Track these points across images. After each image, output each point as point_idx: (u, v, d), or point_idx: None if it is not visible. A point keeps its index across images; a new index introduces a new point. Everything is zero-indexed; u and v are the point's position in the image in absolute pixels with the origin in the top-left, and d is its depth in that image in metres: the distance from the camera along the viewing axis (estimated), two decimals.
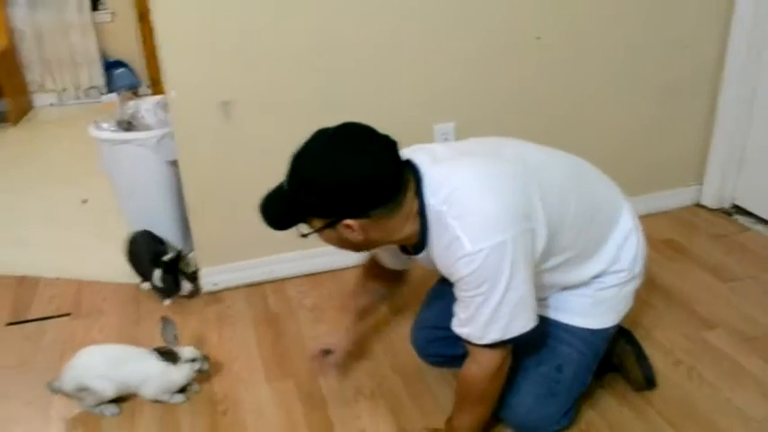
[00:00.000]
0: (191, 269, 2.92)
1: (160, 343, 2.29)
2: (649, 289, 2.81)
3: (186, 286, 2.82)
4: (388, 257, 2.18)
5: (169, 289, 2.82)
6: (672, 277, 2.91)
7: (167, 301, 2.86)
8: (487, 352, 1.83)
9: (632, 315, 2.57)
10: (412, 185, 1.77)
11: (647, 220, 3.34)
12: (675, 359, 2.43)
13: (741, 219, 3.40)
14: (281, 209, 1.82)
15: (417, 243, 1.85)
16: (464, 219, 1.71)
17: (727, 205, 3.50)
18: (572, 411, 2.12)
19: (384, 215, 1.73)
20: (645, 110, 3.29)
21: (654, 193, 3.45)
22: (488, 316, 1.75)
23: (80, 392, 2.19)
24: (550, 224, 1.81)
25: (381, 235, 1.79)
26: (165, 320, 2.33)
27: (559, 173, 1.94)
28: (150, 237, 3.02)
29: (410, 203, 1.76)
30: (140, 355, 2.30)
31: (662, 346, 2.49)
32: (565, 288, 2.07)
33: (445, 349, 2.29)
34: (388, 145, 1.75)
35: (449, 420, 2.05)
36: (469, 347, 1.86)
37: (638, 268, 2.08)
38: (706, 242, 3.21)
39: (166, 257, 2.82)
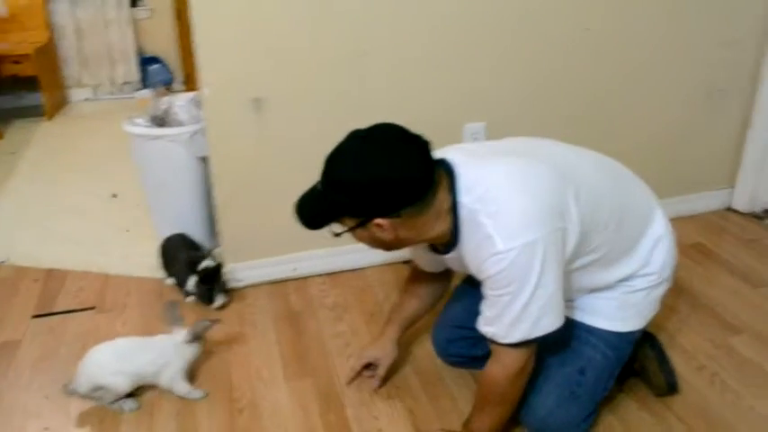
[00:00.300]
0: (227, 283, 2.92)
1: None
2: (675, 293, 2.77)
3: (219, 299, 2.82)
4: (425, 261, 2.19)
5: (202, 298, 2.81)
6: (699, 282, 2.87)
7: (189, 298, 2.87)
8: (511, 352, 1.82)
9: (656, 319, 2.54)
10: (445, 184, 1.79)
11: (677, 223, 3.30)
12: (698, 364, 2.40)
13: None
14: (315, 208, 1.85)
15: (448, 242, 1.86)
16: (497, 217, 1.72)
17: (758, 209, 3.45)
18: (593, 416, 2.09)
19: (415, 214, 1.75)
20: (680, 111, 3.26)
21: (684, 196, 3.42)
22: (515, 315, 1.75)
23: (97, 392, 2.21)
24: (583, 224, 1.81)
25: (412, 233, 1.81)
26: (170, 303, 2.39)
27: (593, 173, 1.94)
28: (186, 240, 3.03)
29: (442, 201, 1.78)
30: (150, 343, 2.32)
31: (685, 351, 2.46)
32: (593, 290, 2.05)
33: (465, 350, 2.30)
34: (420, 145, 1.77)
35: (467, 422, 2.04)
36: (493, 347, 1.86)
37: (668, 273, 2.07)
38: (735, 246, 3.17)
39: (204, 265, 2.81)
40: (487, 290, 1.80)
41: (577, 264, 1.89)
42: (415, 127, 2.67)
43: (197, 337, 2.33)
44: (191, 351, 2.33)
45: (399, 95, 2.80)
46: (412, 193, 1.73)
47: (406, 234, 1.80)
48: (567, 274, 1.88)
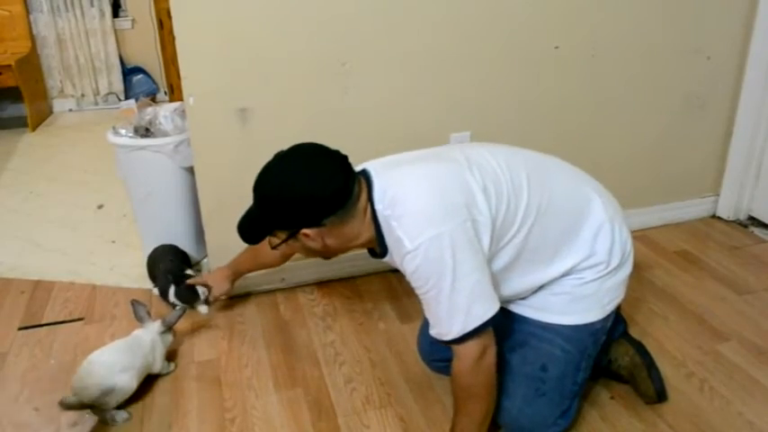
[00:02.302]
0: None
1: (173, 349, 2.30)
2: (662, 300, 2.79)
3: (203, 309, 2.81)
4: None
5: (187, 304, 2.80)
6: (685, 289, 2.89)
7: (178, 308, 2.85)
8: (463, 346, 1.86)
9: (644, 326, 2.59)
10: (364, 194, 1.91)
11: (662, 231, 3.36)
12: (687, 371, 2.41)
13: (757, 231, 3.37)
14: (251, 226, 2.01)
15: (379, 250, 1.98)
16: (401, 220, 1.83)
17: (743, 217, 3.48)
18: (571, 411, 2.10)
19: (338, 223, 1.88)
20: (662, 120, 3.28)
21: (669, 204, 3.44)
22: (446, 309, 1.82)
23: (105, 397, 2.20)
24: (496, 216, 1.87)
25: (340, 241, 1.94)
26: (136, 303, 2.51)
27: (507, 169, 1.97)
28: (172, 251, 3.02)
29: (364, 210, 1.91)
30: (138, 339, 2.41)
31: (674, 358, 2.47)
32: (543, 287, 2.07)
33: (448, 353, 2.29)
34: (339, 158, 1.90)
35: (451, 430, 2.03)
36: (451, 347, 1.89)
37: (616, 260, 2.07)
38: (721, 254, 3.19)
39: (183, 273, 2.83)
40: (417, 291, 1.88)
41: (504, 258, 1.94)
42: (401, 137, 2.68)
43: (170, 327, 2.50)
44: (166, 339, 2.49)
45: (384, 106, 2.81)
46: (332, 204, 1.84)
47: (333, 242, 1.94)
48: (504, 271, 1.96)
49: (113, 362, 2.25)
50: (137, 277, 3.10)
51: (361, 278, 3.04)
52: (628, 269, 2.14)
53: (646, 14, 3.01)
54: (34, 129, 5.55)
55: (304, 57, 2.65)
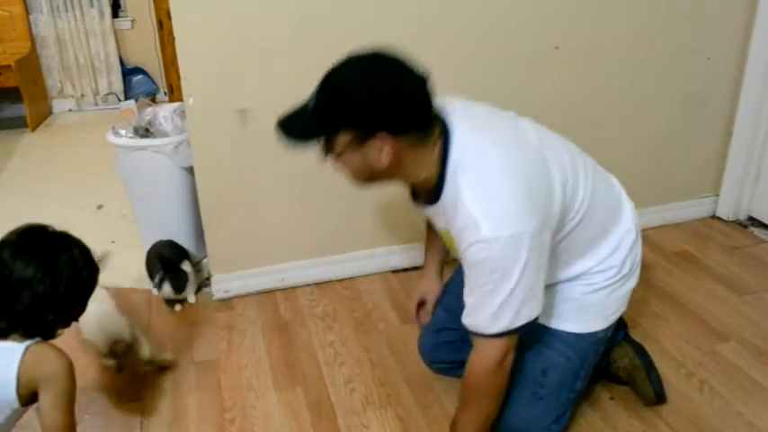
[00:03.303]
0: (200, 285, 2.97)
1: (173, 349, 2.29)
2: (662, 301, 2.79)
3: (190, 295, 2.85)
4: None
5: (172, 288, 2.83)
6: (685, 289, 2.89)
7: (177, 307, 2.88)
8: (492, 342, 1.80)
9: (644, 326, 2.58)
10: (438, 130, 1.75)
11: (662, 232, 3.35)
12: (687, 372, 2.41)
13: (757, 231, 3.37)
14: (306, 122, 1.77)
15: (431, 194, 1.80)
16: (485, 204, 1.68)
17: (742, 217, 3.48)
18: (564, 418, 2.09)
19: (413, 143, 1.71)
20: (662, 121, 3.28)
21: (669, 204, 3.44)
22: (498, 305, 1.73)
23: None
24: (563, 211, 1.81)
25: (400, 166, 1.73)
26: None
27: (570, 159, 1.90)
28: (170, 245, 3.03)
29: (434, 146, 1.74)
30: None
31: (674, 359, 2.47)
32: (553, 289, 2.04)
33: (450, 354, 2.31)
34: (424, 76, 1.72)
35: (452, 424, 2.02)
36: (474, 339, 1.84)
37: (627, 268, 2.05)
38: (721, 254, 3.19)
39: (175, 261, 2.86)
40: (470, 274, 1.76)
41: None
42: None
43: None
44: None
45: None
46: (417, 115, 1.69)
47: (398, 164, 1.72)
48: None
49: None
50: (137, 277, 3.10)
51: (361, 278, 3.04)
52: (634, 281, 2.12)
53: (646, 15, 3.01)
54: (34, 129, 5.55)
55: (304, 57, 2.64)
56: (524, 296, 1.73)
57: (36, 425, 1.75)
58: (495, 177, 1.71)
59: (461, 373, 2.30)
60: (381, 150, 1.67)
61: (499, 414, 2.00)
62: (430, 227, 2.29)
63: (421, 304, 2.41)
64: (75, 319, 1.94)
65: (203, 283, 3.04)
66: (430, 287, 2.39)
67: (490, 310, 1.74)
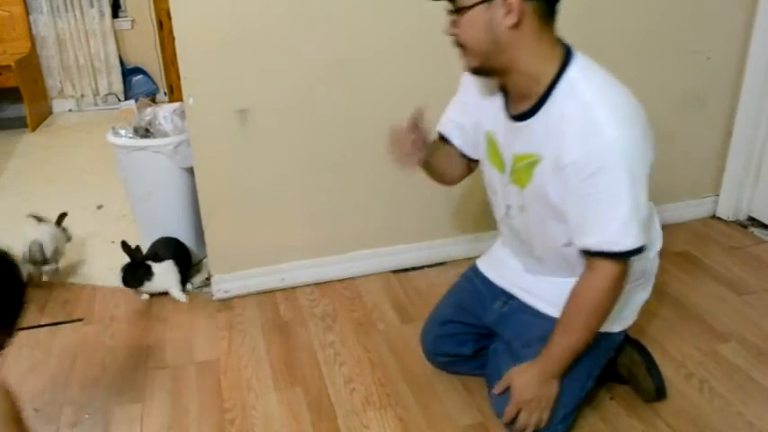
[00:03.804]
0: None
1: (173, 349, 2.29)
2: (662, 301, 2.79)
3: (179, 296, 2.94)
4: (457, 128, 2.19)
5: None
6: (685, 289, 2.89)
7: (143, 296, 2.96)
8: (614, 264, 1.80)
9: (644, 327, 2.58)
10: (560, 46, 1.84)
11: (662, 231, 3.35)
12: (687, 372, 2.41)
13: (757, 231, 3.37)
14: None
15: (534, 102, 1.82)
16: (607, 109, 1.75)
17: (743, 217, 3.48)
18: (570, 418, 2.09)
19: (538, 19, 1.75)
20: (662, 121, 3.25)
21: (670, 204, 3.43)
22: (625, 215, 1.74)
23: None
24: None
25: (522, 44, 1.76)
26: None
27: None
28: (165, 243, 3.07)
29: (555, 48, 1.82)
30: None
31: (674, 359, 2.47)
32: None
33: (453, 347, 2.33)
34: None
35: (547, 349, 1.98)
36: (593, 261, 1.82)
37: (647, 274, 2.10)
38: (721, 254, 3.19)
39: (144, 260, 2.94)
40: (585, 186, 1.74)
41: None
42: None
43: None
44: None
45: (384, 106, 2.81)
46: None
47: (521, 37, 1.75)
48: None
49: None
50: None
51: (361, 278, 3.04)
52: (647, 293, 2.16)
53: (646, 15, 3.01)
54: (34, 129, 5.55)
55: (304, 57, 2.65)
56: (645, 211, 1.77)
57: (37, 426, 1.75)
58: (617, 94, 1.82)
59: (462, 369, 2.32)
60: (509, 9, 1.70)
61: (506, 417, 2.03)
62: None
63: (414, 126, 2.12)
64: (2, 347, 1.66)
65: (203, 283, 3.03)
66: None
67: (618, 219, 1.74)
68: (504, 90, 1.96)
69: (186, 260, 3.09)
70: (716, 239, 3.34)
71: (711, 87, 3.29)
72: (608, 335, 2.08)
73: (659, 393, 2.24)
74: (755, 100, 3.23)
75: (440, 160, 2.22)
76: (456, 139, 2.19)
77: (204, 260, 3.14)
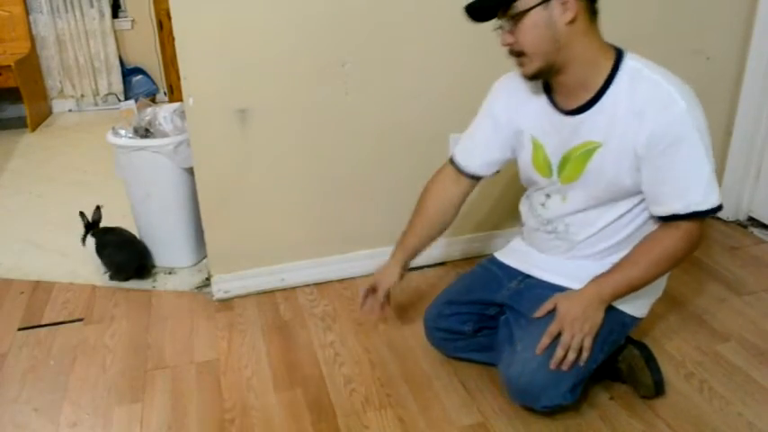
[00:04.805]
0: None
1: (173, 349, 2.28)
2: (662, 301, 2.76)
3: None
4: (485, 148, 2.26)
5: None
6: (685, 289, 2.89)
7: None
8: (694, 224, 1.93)
9: (644, 327, 2.58)
10: (609, 46, 1.96)
11: None
12: (687, 372, 2.41)
13: (756, 231, 3.37)
14: None
15: (594, 93, 1.93)
16: (674, 84, 1.87)
17: (742, 217, 3.48)
18: (578, 389, 2.09)
19: (590, 15, 1.89)
20: None
21: None
22: (707, 175, 1.87)
23: None
24: None
25: (580, 38, 1.88)
26: None
27: None
28: (122, 236, 3.24)
29: (607, 48, 1.95)
30: None
31: (673, 359, 2.47)
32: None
33: (455, 324, 2.36)
34: None
35: (607, 273, 2.03)
36: (676, 224, 1.94)
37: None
38: (720, 254, 3.18)
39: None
40: (665, 157, 1.87)
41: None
42: (400, 137, 2.69)
43: None
44: None
45: (384, 106, 2.81)
46: None
47: (579, 31, 1.86)
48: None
49: None
50: (136, 278, 3.11)
51: (361, 278, 3.04)
52: (660, 291, 2.26)
53: (645, 15, 3.01)
54: (34, 129, 5.56)
55: (304, 57, 2.65)
56: (714, 169, 1.89)
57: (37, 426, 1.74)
58: (674, 76, 1.92)
59: (459, 350, 2.40)
60: (565, 6, 1.81)
61: (524, 365, 2.03)
62: (423, 202, 2.37)
63: (372, 291, 2.39)
64: None
65: (203, 283, 3.03)
66: (387, 276, 2.37)
67: (702, 181, 1.87)
68: (548, 89, 2.05)
69: (130, 257, 3.17)
70: (716, 239, 3.34)
71: (711, 87, 3.29)
72: (621, 313, 2.11)
73: (658, 388, 2.23)
74: (755, 100, 3.23)
75: (431, 232, 2.38)
76: (478, 169, 2.30)
77: (204, 260, 3.14)
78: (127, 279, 3.10)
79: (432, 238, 2.39)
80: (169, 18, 2.64)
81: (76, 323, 2.80)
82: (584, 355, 2.01)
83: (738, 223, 3.47)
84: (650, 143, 1.86)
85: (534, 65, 1.91)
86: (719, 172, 3.45)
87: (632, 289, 2.01)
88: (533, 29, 1.85)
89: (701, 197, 1.87)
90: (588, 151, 1.97)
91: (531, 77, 1.97)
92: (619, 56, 1.93)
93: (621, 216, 2.04)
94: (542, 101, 2.06)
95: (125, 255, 3.13)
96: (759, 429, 2.15)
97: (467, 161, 2.29)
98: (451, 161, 2.34)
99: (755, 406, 2.24)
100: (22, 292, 3.04)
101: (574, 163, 2.02)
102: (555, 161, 2.07)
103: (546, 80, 2.03)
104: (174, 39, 2.54)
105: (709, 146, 1.88)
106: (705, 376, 2.38)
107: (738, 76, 3.28)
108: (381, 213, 2.98)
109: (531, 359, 2.02)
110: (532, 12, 1.82)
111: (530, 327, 2.08)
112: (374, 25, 2.67)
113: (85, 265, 3.25)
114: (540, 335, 2.02)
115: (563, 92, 2.00)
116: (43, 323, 2.81)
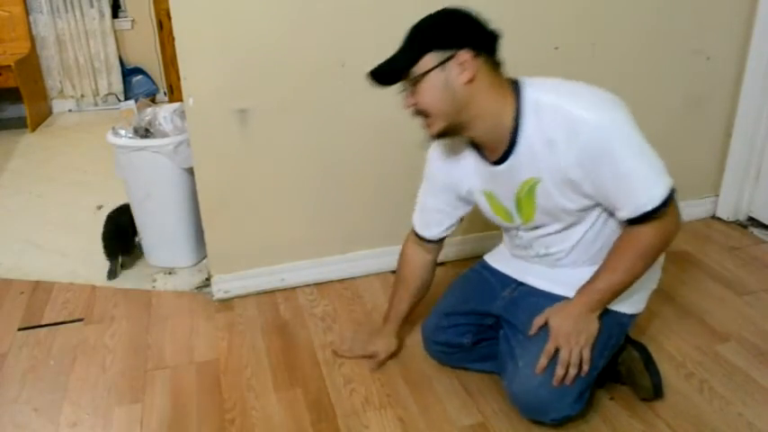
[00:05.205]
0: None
1: (173, 349, 2.28)
2: (662, 301, 2.79)
3: None
4: (436, 209, 2.28)
5: None
6: (685, 289, 2.89)
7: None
8: (657, 220, 1.88)
9: (644, 326, 2.58)
10: (508, 83, 1.93)
11: None
12: (687, 372, 2.41)
13: (756, 231, 3.37)
14: (397, 57, 1.94)
15: (508, 140, 1.93)
16: (575, 102, 1.85)
17: (742, 218, 3.48)
18: (585, 396, 2.09)
19: (489, 68, 1.88)
20: (662, 121, 3.27)
21: None
22: (645, 169, 1.86)
23: None
24: None
25: (480, 94, 1.88)
26: None
27: None
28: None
29: (507, 89, 1.91)
30: None
31: (673, 359, 2.47)
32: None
33: (454, 337, 2.37)
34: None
35: (589, 284, 2.02)
36: (645, 224, 1.90)
37: (662, 257, 2.14)
38: (720, 254, 3.19)
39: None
40: (600, 169, 1.84)
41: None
42: (401, 135, 2.68)
43: None
44: None
45: (384, 106, 2.80)
46: (492, 40, 1.89)
47: (478, 89, 1.87)
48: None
49: None
50: (136, 278, 3.11)
51: (361, 278, 3.04)
52: (655, 282, 2.20)
53: (646, 15, 3.01)
54: (34, 129, 5.55)
55: (304, 58, 2.65)
56: (659, 160, 1.89)
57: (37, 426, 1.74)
58: (573, 86, 1.92)
59: (459, 362, 2.37)
60: (462, 67, 1.83)
61: (526, 382, 2.03)
62: (400, 272, 2.44)
63: (369, 356, 2.50)
64: None
65: (203, 283, 3.03)
66: (386, 346, 2.49)
67: (640, 182, 1.85)
68: (473, 144, 2.06)
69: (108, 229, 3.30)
70: (716, 240, 3.34)
71: (711, 87, 3.29)
72: (618, 314, 2.10)
73: (656, 391, 2.23)
74: (755, 100, 3.23)
75: (414, 298, 2.45)
76: (439, 234, 2.34)
77: (204, 260, 3.14)
78: (111, 255, 3.20)
79: (418, 300, 2.47)
80: (169, 18, 2.63)
81: (76, 323, 2.80)
82: (585, 367, 2.01)
83: (738, 223, 3.47)
84: (578, 166, 1.85)
85: (438, 125, 1.94)
86: (719, 172, 3.46)
87: (618, 293, 2.01)
88: (432, 90, 1.88)
89: (645, 198, 1.85)
90: (531, 188, 1.98)
91: (437, 137, 1.99)
92: (518, 92, 1.91)
93: (593, 224, 2.03)
94: (474, 157, 2.09)
95: (106, 227, 3.27)
96: (759, 429, 2.15)
97: (425, 231, 2.33)
98: (413, 231, 2.38)
99: (755, 406, 2.25)
100: (22, 292, 3.04)
101: (525, 202, 2.03)
102: (511, 206, 2.09)
103: (456, 137, 2.04)
104: (174, 39, 2.53)
105: (637, 139, 1.87)
106: (705, 376, 2.38)
107: (738, 76, 3.28)
108: (381, 213, 2.97)
109: (533, 377, 2.02)
110: (430, 74, 1.86)
111: (528, 344, 2.07)
112: (374, 25, 2.67)
113: (85, 265, 3.25)
114: (539, 351, 2.02)
115: (482, 145, 2.03)
116: (43, 323, 2.81)
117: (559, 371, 1.99)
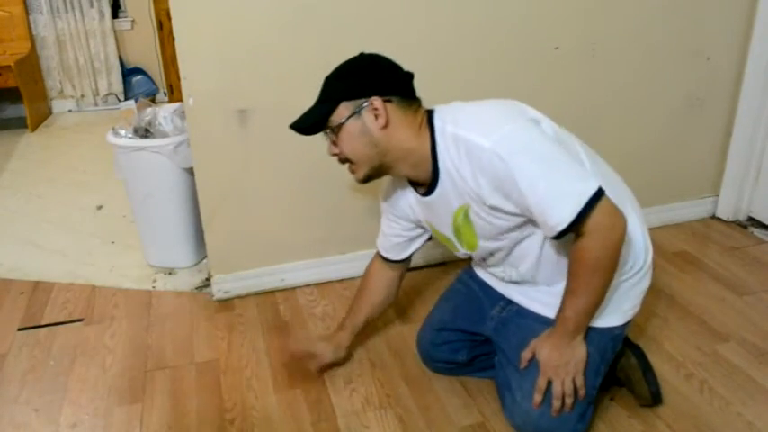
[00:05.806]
0: None
1: (173, 349, 2.28)
2: (662, 301, 2.79)
3: None
4: (393, 235, 2.29)
5: None
6: (685, 290, 2.89)
7: None
8: (590, 222, 1.78)
9: (643, 327, 2.58)
10: (423, 117, 1.96)
11: (661, 232, 3.35)
12: (687, 372, 2.41)
13: (756, 231, 3.37)
14: (313, 110, 2.00)
15: (431, 171, 1.95)
16: (470, 124, 1.86)
17: (742, 218, 3.48)
18: (588, 414, 2.08)
19: (401, 109, 1.93)
20: (662, 121, 3.28)
21: (669, 205, 3.44)
22: (560, 179, 1.79)
23: None
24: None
25: (397, 134, 1.92)
26: None
27: (567, 135, 2.08)
28: None
29: (420, 125, 1.94)
30: None
31: (673, 359, 2.47)
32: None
33: (449, 355, 2.36)
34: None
35: (560, 313, 1.98)
36: (580, 235, 1.83)
37: (640, 264, 2.07)
38: (720, 254, 3.19)
39: None
40: (510, 199, 1.83)
41: None
42: None
43: None
44: None
45: None
46: (400, 79, 1.97)
47: (394, 130, 1.91)
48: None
49: None
50: (136, 278, 3.11)
51: (360, 279, 3.03)
52: (648, 281, 2.14)
53: (646, 15, 3.01)
54: (34, 129, 5.56)
55: (304, 58, 2.65)
56: (566, 175, 1.79)
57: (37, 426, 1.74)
58: (472, 109, 1.95)
59: (460, 374, 2.32)
60: (376, 113, 1.89)
61: (526, 414, 2.02)
62: (365, 282, 2.46)
63: (310, 356, 2.43)
64: None
65: (203, 283, 3.04)
66: (333, 353, 2.43)
67: (548, 201, 1.77)
68: (408, 179, 2.10)
69: None
70: (715, 240, 3.34)
71: (711, 88, 3.29)
72: (610, 329, 2.08)
73: (655, 399, 2.22)
74: (755, 100, 3.23)
75: (375, 311, 2.46)
76: (403, 256, 2.37)
77: (204, 260, 3.14)
78: None
79: (377, 314, 2.47)
80: (169, 18, 2.63)
81: (76, 323, 2.80)
82: (581, 392, 2.00)
83: (738, 223, 3.47)
84: (494, 191, 1.84)
85: (362, 170, 1.99)
86: (719, 172, 3.46)
87: (592, 312, 1.96)
88: (351, 139, 1.93)
89: (556, 218, 1.77)
90: (465, 214, 1.98)
91: (364, 181, 2.02)
92: (431, 125, 1.94)
93: (546, 236, 1.99)
94: (410, 191, 2.13)
95: None
96: (759, 429, 2.15)
97: (389, 254, 2.35)
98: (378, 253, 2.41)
99: (755, 406, 2.24)
100: (22, 292, 3.04)
101: (464, 229, 2.04)
102: (451, 235, 2.11)
103: (383, 176, 2.07)
104: (174, 39, 2.53)
105: (539, 150, 1.81)
106: (705, 376, 2.38)
107: (738, 76, 3.28)
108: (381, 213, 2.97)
109: (532, 410, 2.02)
110: (347, 124, 1.91)
111: (521, 377, 2.06)
112: (374, 25, 2.67)
113: (85, 265, 3.25)
114: (533, 384, 2.01)
115: (412, 179, 2.07)
116: (43, 323, 2.81)
117: (555, 404, 1.99)
